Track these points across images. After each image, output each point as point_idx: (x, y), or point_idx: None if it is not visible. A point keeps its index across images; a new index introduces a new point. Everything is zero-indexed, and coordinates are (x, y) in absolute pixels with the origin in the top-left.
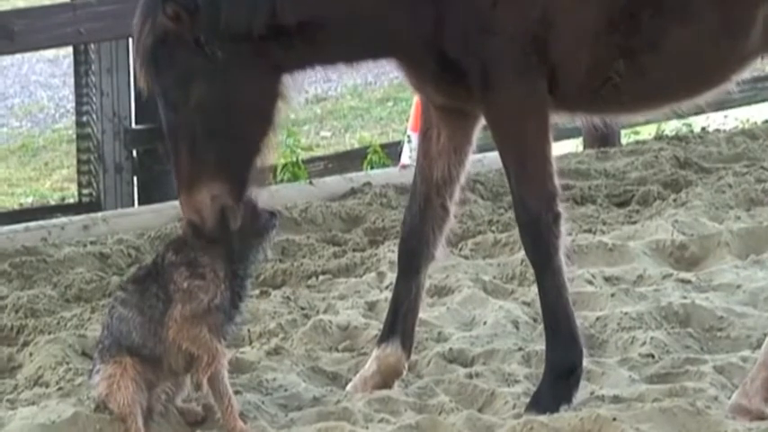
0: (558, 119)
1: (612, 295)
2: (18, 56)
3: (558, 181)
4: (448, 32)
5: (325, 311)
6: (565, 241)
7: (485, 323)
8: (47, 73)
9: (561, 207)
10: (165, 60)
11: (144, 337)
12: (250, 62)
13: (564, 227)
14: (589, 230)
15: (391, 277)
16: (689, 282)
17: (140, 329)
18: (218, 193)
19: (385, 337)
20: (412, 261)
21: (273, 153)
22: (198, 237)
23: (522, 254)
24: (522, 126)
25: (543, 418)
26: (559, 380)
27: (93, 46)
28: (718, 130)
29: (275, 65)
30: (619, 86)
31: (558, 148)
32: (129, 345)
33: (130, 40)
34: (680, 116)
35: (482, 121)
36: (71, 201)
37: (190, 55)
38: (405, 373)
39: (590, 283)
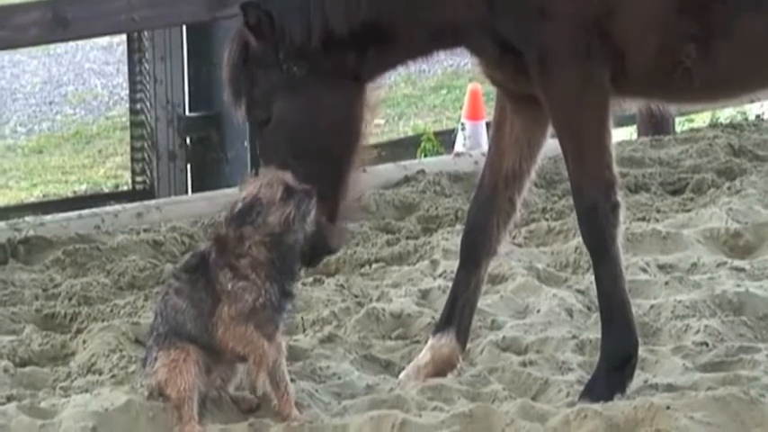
0: (628, 105)
1: (666, 283)
2: (72, 43)
3: (616, 170)
4: (503, 16)
5: (378, 299)
6: (622, 230)
7: (538, 311)
8: (101, 60)
9: (620, 196)
10: (250, 79)
11: (198, 330)
12: (325, 77)
13: (622, 216)
14: (643, 218)
15: (445, 265)
16: (743, 270)
17: (195, 322)
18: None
19: (441, 327)
20: (473, 253)
21: (364, 164)
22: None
23: (575, 242)
24: (580, 113)
25: (597, 406)
26: (614, 369)
27: (146, 33)
28: None
29: (353, 75)
30: (690, 71)
31: (612, 136)
32: (187, 335)
33: (184, 27)
34: (735, 103)
35: None
36: (124, 188)
37: (270, 72)
38: (459, 366)
39: (644, 270)
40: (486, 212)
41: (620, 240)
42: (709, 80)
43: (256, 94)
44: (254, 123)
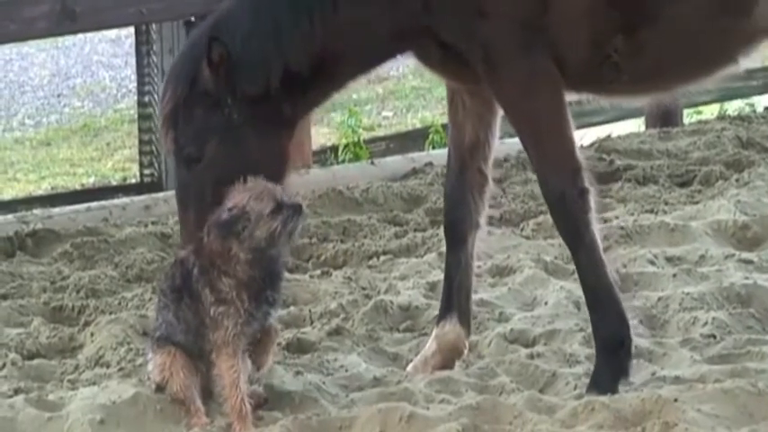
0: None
1: (674, 275)
2: (80, 36)
3: (580, 156)
4: (440, 18)
5: (386, 292)
6: (596, 216)
7: (546, 303)
8: (109, 53)
9: (587, 181)
10: (188, 116)
11: (187, 341)
12: (262, 125)
13: (593, 201)
14: (651, 210)
15: None
16: (751, 262)
17: (184, 335)
18: None
19: (442, 315)
20: (458, 231)
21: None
22: None
23: None
24: (533, 105)
25: (604, 398)
26: (612, 355)
27: (154, 26)
28: None
29: (287, 121)
30: (618, 64)
31: (620, 128)
32: (178, 343)
33: (192, 20)
34: (743, 95)
35: None
36: (132, 181)
37: (210, 113)
38: (466, 351)
39: (652, 263)
40: (460, 188)
41: (594, 226)
42: (636, 73)
43: (190, 131)
44: (182, 160)
